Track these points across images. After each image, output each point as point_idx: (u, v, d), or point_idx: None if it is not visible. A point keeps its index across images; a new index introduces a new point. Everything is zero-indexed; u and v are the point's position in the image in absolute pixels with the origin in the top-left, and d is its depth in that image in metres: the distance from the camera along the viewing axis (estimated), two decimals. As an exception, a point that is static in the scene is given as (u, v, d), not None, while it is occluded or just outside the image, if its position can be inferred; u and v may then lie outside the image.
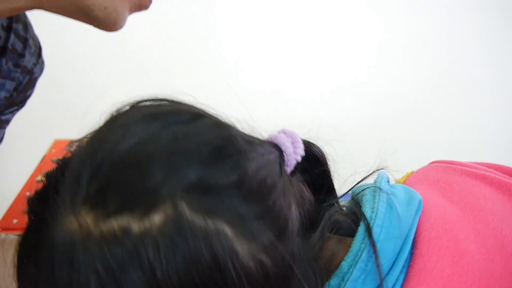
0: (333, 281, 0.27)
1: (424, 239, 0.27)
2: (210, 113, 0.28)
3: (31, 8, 0.35)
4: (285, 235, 0.25)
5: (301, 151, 0.29)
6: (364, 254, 0.26)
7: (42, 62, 0.53)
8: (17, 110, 0.53)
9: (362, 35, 1.46)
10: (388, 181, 0.35)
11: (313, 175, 0.31)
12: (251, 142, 0.26)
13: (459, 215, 0.30)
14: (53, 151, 0.77)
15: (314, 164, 0.32)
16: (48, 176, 0.27)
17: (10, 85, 0.48)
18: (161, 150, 0.23)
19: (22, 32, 0.48)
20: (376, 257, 0.26)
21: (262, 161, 0.25)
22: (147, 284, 0.21)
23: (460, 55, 1.48)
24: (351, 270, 0.26)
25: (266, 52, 1.53)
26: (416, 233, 0.28)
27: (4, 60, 0.46)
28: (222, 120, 0.27)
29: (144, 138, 0.24)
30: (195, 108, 0.28)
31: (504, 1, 1.45)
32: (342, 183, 1.23)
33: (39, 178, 0.71)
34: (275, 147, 0.28)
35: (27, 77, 0.50)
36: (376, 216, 0.28)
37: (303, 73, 1.48)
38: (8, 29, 0.46)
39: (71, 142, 0.79)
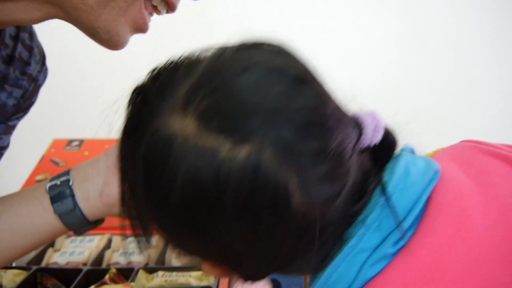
0: (352, 229, 0.30)
1: (434, 204, 0.31)
2: (316, 79, 0.32)
3: (46, 19, 0.39)
4: (336, 200, 0.29)
5: (377, 139, 0.33)
6: (378, 208, 0.30)
7: (46, 69, 0.56)
8: (22, 116, 0.56)
9: (362, 36, 1.46)
10: (412, 152, 0.38)
11: (377, 153, 0.34)
12: (340, 120, 0.30)
13: (472, 188, 0.33)
14: (52, 150, 0.77)
15: (383, 148, 0.34)
16: (165, 68, 0.32)
17: (17, 93, 0.51)
18: (270, 99, 0.28)
19: (28, 41, 0.51)
20: (390, 207, 0.29)
21: (342, 140, 0.29)
22: (214, 202, 0.26)
23: (463, 55, 1.48)
24: (366, 218, 0.30)
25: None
26: (428, 199, 0.31)
27: (12, 69, 0.49)
28: (322, 93, 0.31)
29: (260, 82, 0.28)
30: (305, 70, 0.32)
31: (505, 1, 1.45)
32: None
33: (38, 177, 0.71)
34: (357, 126, 0.32)
35: (32, 85, 0.53)
36: (391, 179, 0.31)
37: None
38: (16, 38, 0.49)
39: (69, 142, 0.79)
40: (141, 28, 0.41)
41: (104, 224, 0.79)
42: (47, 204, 0.41)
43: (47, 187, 0.42)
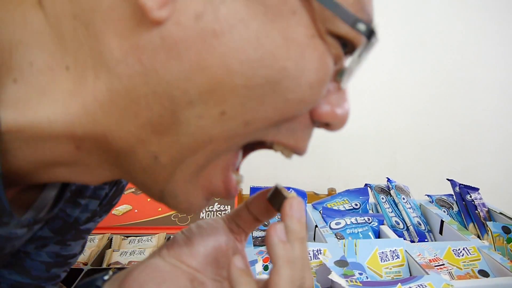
0: None
1: None
2: None
3: (113, 178, 0.30)
4: None
5: None
6: None
7: None
8: (100, 218, 0.47)
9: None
10: None
11: None
12: None
13: None
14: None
15: None
16: None
17: (94, 204, 0.43)
18: None
19: None
20: None
21: None
22: None
23: (463, 55, 1.48)
24: None
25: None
26: None
27: None
28: None
29: None
30: None
31: (505, 1, 1.45)
32: (346, 181, 1.22)
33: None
34: None
35: (114, 189, 0.45)
36: None
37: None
38: None
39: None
40: (221, 194, 0.29)
41: (104, 224, 0.80)
42: None
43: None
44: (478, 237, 0.78)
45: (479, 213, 0.81)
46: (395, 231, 0.78)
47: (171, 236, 0.76)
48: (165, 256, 0.32)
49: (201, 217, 0.79)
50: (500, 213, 0.81)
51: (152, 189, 0.27)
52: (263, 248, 0.66)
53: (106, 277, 0.34)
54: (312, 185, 1.43)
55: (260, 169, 1.50)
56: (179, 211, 0.30)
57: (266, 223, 0.76)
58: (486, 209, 0.83)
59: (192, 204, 0.28)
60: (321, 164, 1.59)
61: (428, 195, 0.92)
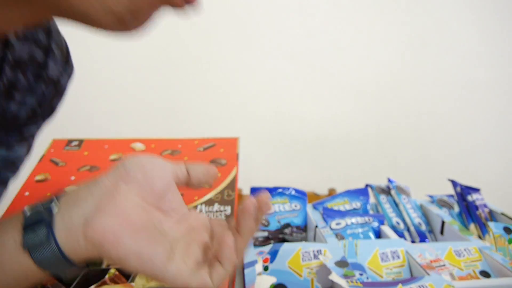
0: None
1: None
2: None
3: (32, 20, 0.29)
4: None
5: None
6: None
7: (71, 69, 0.46)
8: (43, 122, 0.46)
9: (362, 36, 1.46)
10: None
11: None
12: None
13: None
14: (52, 150, 0.77)
15: None
16: None
17: (31, 100, 0.42)
18: None
19: (44, 41, 0.42)
20: None
21: None
22: None
23: (464, 55, 1.48)
24: None
25: (267, 53, 1.53)
26: None
27: (21, 74, 0.40)
28: None
29: None
30: None
31: (505, 1, 1.45)
32: (344, 181, 1.22)
33: (38, 177, 0.71)
34: None
35: (52, 88, 0.44)
36: None
37: (305, 76, 1.48)
38: (25, 39, 0.40)
39: (69, 142, 0.78)
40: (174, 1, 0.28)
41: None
42: (19, 235, 0.30)
43: (24, 213, 0.32)
44: (479, 237, 0.78)
45: (480, 214, 0.80)
46: (395, 231, 0.78)
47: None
48: (126, 192, 0.31)
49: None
50: (502, 213, 0.81)
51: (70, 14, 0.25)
52: (263, 248, 0.65)
53: (55, 211, 0.32)
54: (312, 185, 1.43)
55: (260, 169, 1.49)
56: (110, 28, 0.26)
57: (266, 223, 0.76)
58: (488, 210, 0.83)
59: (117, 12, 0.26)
60: (321, 164, 1.59)
61: (429, 195, 0.92)
